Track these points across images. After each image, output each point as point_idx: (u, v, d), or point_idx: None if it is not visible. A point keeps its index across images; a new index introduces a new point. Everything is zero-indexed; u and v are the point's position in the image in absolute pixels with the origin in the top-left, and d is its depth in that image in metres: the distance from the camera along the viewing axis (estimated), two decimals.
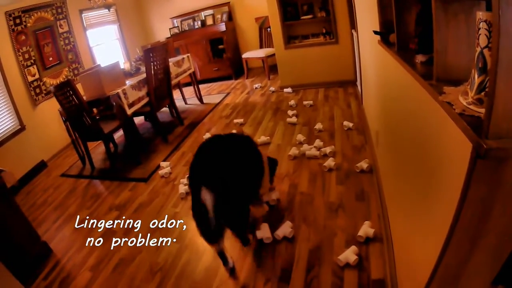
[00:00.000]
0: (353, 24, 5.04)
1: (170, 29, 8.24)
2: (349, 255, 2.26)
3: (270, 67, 7.25)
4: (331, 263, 2.29)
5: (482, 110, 0.85)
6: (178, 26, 8.20)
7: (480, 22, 0.83)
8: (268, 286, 2.22)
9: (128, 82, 4.46)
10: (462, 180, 0.90)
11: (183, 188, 3.40)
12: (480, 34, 0.84)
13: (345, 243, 2.43)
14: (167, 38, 7.98)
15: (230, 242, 2.65)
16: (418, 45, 1.41)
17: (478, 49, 0.86)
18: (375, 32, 2.26)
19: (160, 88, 4.80)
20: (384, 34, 2.11)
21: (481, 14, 0.82)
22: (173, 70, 5.40)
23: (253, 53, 7.17)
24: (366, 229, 2.44)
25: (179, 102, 6.32)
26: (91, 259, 2.83)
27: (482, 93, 0.87)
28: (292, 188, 3.20)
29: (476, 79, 0.89)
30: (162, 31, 8.53)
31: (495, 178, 0.84)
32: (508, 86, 0.71)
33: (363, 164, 3.22)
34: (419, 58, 1.40)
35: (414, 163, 1.57)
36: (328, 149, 3.62)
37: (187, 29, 8.09)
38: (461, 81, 1.06)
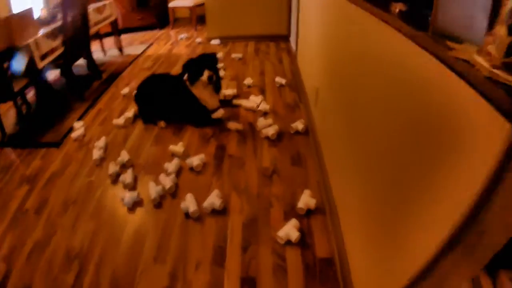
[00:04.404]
0: None
1: None
2: (290, 231, 2.01)
3: (198, 18, 6.74)
4: (270, 239, 2.04)
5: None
6: None
7: None
8: (201, 270, 1.92)
9: (43, 31, 3.84)
10: (489, 165, 0.62)
11: (97, 153, 2.95)
12: None
13: (284, 215, 2.19)
14: None
15: (154, 219, 2.32)
16: None
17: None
18: None
19: (77, 37, 4.19)
20: None
21: None
22: (93, 17, 4.75)
23: (180, 2, 6.59)
24: (306, 199, 2.20)
25: (98, 54, 5.66)
26: (4, 247, 2.34)
27: None
28: (219, 150, 2.88)
29: (506, 38, 0.61)
30: None
31: None
32: None
33: (299, 125, 2.96)
34: (398, 7, 1.09)
35: (386, 131, 1.28)
36: (262, 105, 3.34)
37: None
38: (461, 39, 0.78)
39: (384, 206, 1.23)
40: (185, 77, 3.14)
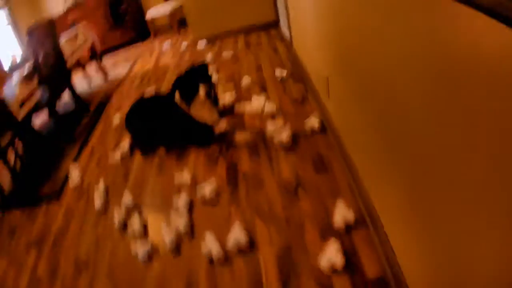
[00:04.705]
0: None
1: (65, 1, 6.85)
2: (333, 255, 1.68)
3: (179, 22, 6.38)
4: (311, 268, 1.72)
5: None
6: None
7: None
8: None
9: (16, 78, 3.53)
10: None
11: (99, 200, 2.63)
12: None
13: (320, 235, 1.86)
14: (65, 12, 6.70)
15: (175, 268, 2.00)
16: None
17: None
18: None
19: (53, 74, 3.88)
20: None
21: None
22: (67, 48, 4.42)
23: (157, 10, 6.26)
24: (342, 212, 1.87)
25: (83, 84, 5.38)
26: None
27: None
28: (230, 169, 2.54)
29: None
30: (58, 7, 6.96)
31: None
32: None
33: (313, 122, 2.62)
34: None
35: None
36: (267, 106, 3.01)
37: None
38: None
39: (445, 205, 0.96)
40: (176, 96, 2.78)
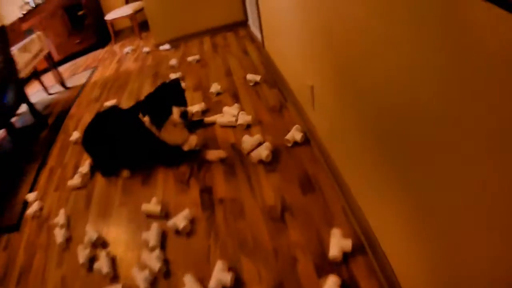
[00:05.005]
0: None
1: (21, 6, 6.31)
2: None
3: (141, 25, 6.04)
4: None
5: None
6: (30, 1, 6.34)
7: None
8: None
9: None
10: None
11: (60, 234, 2.31)
12: None
13: (316, 270, 1.63)
14: (20, 19, 6.18)
15: None
16: None
17: None
18: None
19: (6, 88, 3.53)
20: None
21: None
22: (21, 58, 4.03)
23: (118, 12, 5.89)
24: (339, 242, 1.65)
25: (40, 95, 4.99)
26: None
27: None
28: (205, 194, 2.26)
29: None
30: (13, 14, 6.46)
31: None
32: None
33: (295, 134, 2.38)
34: None
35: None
36: (241, 117, 2.75)
37: (40, 2, 6.28)
38: None
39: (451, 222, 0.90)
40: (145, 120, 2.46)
